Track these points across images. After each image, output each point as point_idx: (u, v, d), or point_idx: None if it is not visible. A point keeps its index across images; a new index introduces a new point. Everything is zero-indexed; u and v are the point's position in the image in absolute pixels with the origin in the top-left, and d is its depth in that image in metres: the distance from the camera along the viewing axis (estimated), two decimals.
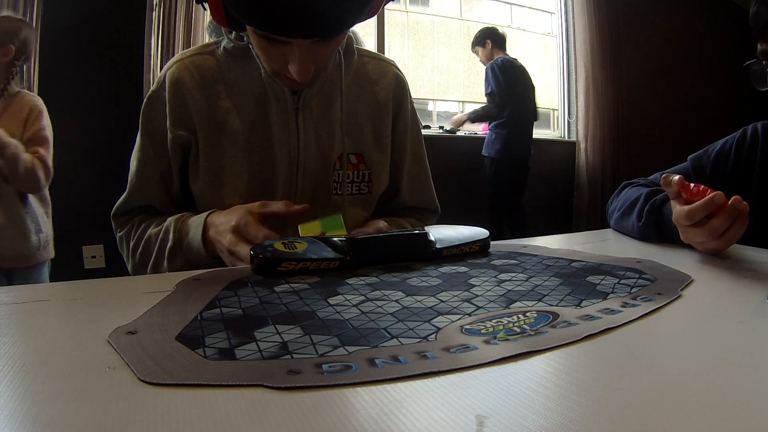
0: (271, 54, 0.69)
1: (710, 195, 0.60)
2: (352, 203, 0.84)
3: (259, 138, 0.79)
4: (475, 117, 3.19)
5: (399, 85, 0.90)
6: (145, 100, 0.81)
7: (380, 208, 0.91)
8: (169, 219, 0.76)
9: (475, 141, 3.40)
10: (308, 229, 0.69)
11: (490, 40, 3.12)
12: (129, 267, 0.82)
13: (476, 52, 3.21)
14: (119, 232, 0.83)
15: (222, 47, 0.81)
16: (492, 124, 3.09)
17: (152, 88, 0.81)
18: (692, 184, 0.64)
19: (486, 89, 3.05)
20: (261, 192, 0.79)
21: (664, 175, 0.68)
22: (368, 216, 0.88)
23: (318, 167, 0.81)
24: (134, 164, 0.81)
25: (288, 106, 0.79)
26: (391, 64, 0.91)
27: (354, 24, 0.69)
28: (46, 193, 1.66)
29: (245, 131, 0.78)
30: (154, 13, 2.45)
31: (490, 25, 3.28)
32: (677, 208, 0.65)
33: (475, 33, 3.22)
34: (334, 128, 0.82)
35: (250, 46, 0.78)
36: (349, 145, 0.84)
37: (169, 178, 0.80)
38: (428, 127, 3.42)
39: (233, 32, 0.79)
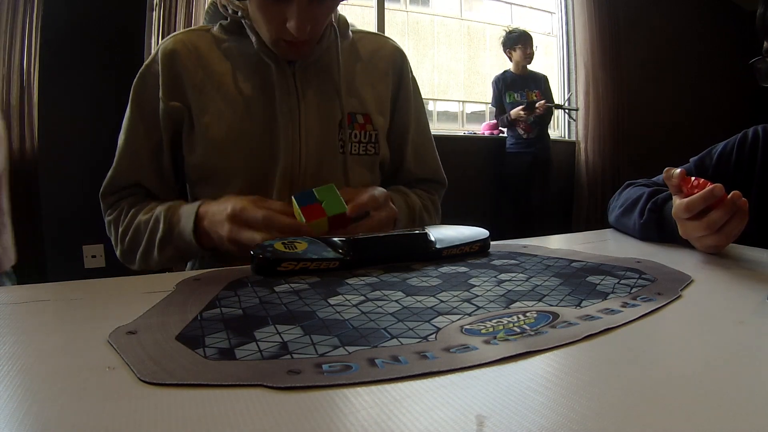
0: (271, 13, 0.70)
1: (710, 187, 0.60)
2: (358, 164, 0.83)
3: (258, 100, 0.78)
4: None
5: (398, 56, 0.90)
6: (137, 76, 0.80)
7: (386, 181, 0.90)
8: (159, 207, 0.74)
9: (474, 141, 3.40)
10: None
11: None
12: (117, 252, 0.80)
13: (525, 48, 3.10)
14: (108, 216, 0.81)
15: (218, 24, 0.81)
16: (547, 130, 3.19)
17: (145, 63, 0.80)
18: (693, 178, 0.64)
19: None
20: (263, 154, 0.78)
21: (666, 168, 0.68)
22: (375, 179, 0.87)
23: (321, 126, 0.80)
24: (122, 139, 0.79)
25: (286, 71, 0.79)
26: (387, 38, 0.92)
27: None
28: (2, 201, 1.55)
29: (245, 96, 0.78)
30: (154, 13, 2.45)
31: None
32: (677, 202, 0.65)
33: (513, 31, 3.14)
34: (335, 88, 0.82)
35: (243, 22, 0.78)
36: (356, 106, 0.83)
37: (160, 152, 0.79)
38: None
39: (230, 10, 0.79)
